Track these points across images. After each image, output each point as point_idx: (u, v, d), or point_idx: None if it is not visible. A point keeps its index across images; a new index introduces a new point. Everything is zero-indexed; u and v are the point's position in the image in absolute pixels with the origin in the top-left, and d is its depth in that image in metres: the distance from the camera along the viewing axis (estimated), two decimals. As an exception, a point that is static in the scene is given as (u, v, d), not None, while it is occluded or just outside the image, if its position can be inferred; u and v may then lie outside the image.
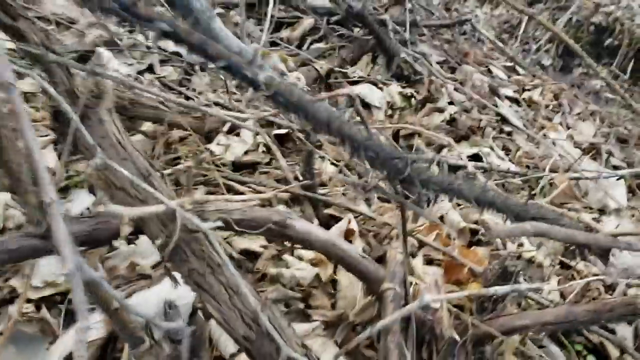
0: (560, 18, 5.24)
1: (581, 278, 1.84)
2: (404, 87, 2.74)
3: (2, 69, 0.83)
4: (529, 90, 3.11)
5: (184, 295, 1.28)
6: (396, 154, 0.99)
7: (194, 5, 0.97)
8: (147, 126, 1.96)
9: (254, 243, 1.58)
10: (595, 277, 1.75)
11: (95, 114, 1.23)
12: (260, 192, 1.78)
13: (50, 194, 0.84)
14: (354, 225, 1.62)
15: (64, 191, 1.78)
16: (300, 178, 1.80)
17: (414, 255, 1.58)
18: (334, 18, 2.84)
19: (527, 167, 2.42)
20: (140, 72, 2.33)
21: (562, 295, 1.74)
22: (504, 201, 1.08)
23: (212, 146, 1.98)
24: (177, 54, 2.37)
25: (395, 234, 1.73)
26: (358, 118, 1.13)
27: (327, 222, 1.72)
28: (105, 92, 1.23)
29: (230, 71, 0.90)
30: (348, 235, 1.62)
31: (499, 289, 1.00)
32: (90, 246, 1.18)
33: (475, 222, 1.91)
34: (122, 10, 0.87)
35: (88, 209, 1.72)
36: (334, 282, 1.58)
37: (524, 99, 3.00)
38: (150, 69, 2.35)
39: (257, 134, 2.02)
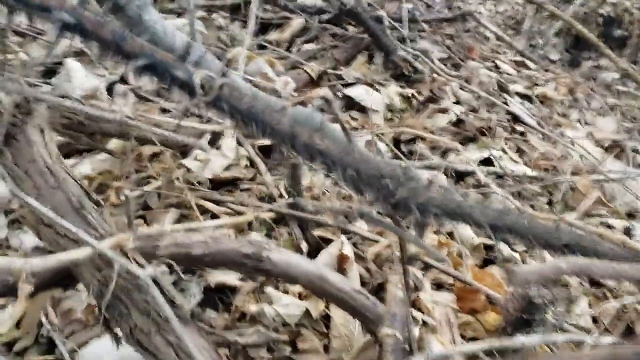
0: (565, 10, 5.01)
1: (614, 297, 1.60)
2: (403, 87, 2.51)
3: None
4: (541, 85, 2.86)
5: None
6: (385, 171, 0.76)
7: (117, -9, 0.75)
8: (114, 143, 1.74)
9: (230, 275, 1.35)
10: (631, 297, 1.51)
11: (23, 134, 1.02)
12: (240, 214, 1.56)
13: None
14: (347, 250, 1.39)
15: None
16: (286, 195, 1.58)
17: (418, 288, 1.34)
18: (326, 17, 2.61)
19: (545, 170, 2.18)
20: (113, 83, 2.11)
21: (595, 320, 1.50)
22: (527, 225, 0.85)
23: (188, 162, 1.75)
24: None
25: (397, 258, 1.50)
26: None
27: (318, 246, 1.49)
28: (35, 109, 1.01)
29: (155, 72, 0.68)
30: (341, 261, 1.39)
31: (527, 340, 0.77)
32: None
33: (490, 237, 1.67)
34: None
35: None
36: (326, 318, 1.35)
37: (536, 95, 2.76)
38: (123, 79, 2.13)
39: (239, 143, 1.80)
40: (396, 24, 2.67)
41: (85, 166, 1.69)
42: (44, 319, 1.28)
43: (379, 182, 0.76)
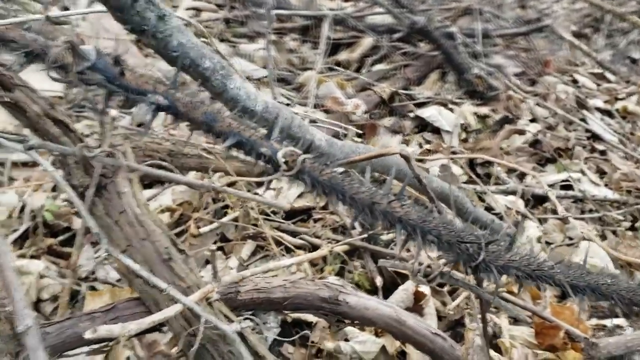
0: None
1: None
2: (478, 106, 2.47)
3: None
4: (622, 99, 2.74)
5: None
6: (465, 236, 0.76)
7: (205, 65, 0.78)
8: (192, 175, 1.80)
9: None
10: None
11: (113, 185, 1.08)
12: (314, 246, 1.58)
13: (26, 322, 0.68)
14: (424, 287, 1.39)
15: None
16: (359, 227, 1.59)
17: (497, 335, 1.32)
18: (396, 35, 2.60)
19: (628, 192, 2.09)
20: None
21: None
22: (610, 284, 0.82)
23: (262, 190, 1.80)
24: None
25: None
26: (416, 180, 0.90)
27: (393, 280, 1.50)
28: (122, 159, 1.07)
29: (243, 148, 0.71)
30: (418, 298, 1.39)
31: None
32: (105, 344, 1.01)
33: (570, 296, 1.62)
34: (109, 83, 0.70)
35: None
36: (402, 354, 1.35)
37: (617, 109, 2.64)
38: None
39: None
40: (468, 40, 2.63)
41: (166, 197, 1.76)
42: (128, 352, 1.35)
43: (459, 246, 0.76)
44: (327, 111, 2.24)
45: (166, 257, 0.98)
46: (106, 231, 1.03)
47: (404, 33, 2.53)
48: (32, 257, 1.57)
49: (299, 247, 1.57)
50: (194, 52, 0.79)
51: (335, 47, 2.66)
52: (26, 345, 0.64)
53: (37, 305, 1.46)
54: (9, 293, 0.64)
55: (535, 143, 2.29)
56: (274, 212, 1.73)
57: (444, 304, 1.49)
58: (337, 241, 1.56)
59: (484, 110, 2.41)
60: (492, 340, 1.27)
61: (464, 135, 2.32)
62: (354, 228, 1.57)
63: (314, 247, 1.59)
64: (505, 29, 2.78)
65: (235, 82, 0.85)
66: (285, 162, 0.70)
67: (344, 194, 0.72)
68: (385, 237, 1.61)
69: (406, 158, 0.86)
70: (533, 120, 2.45)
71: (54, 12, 1.42)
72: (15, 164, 1.82)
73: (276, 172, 0.72)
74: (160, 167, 1.58)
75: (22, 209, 1.67)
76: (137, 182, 1.11)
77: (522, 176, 2.16)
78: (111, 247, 0.92)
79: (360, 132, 2.16)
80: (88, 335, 0.70)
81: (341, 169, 0.74)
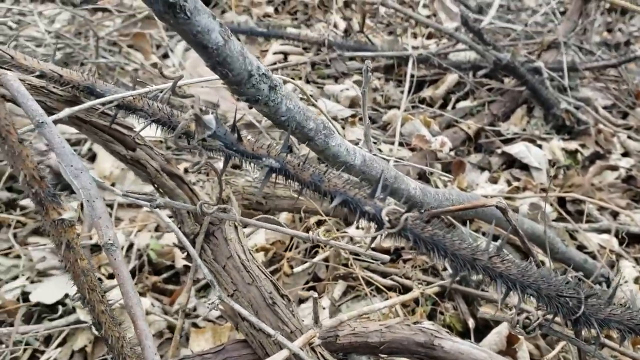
0: None
1: None
2: (566, 141, 2.43)
3: (105, 228, 0.77)
4: None
5: None
6: (565, 290, 0.78)
7: (309, 127, 0.85)
8: (283, 216, 1.88)
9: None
10: None
11: (220, 231, 1.16)
12: (404, 287, 1.61)
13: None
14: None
15: (204, 289, 1.75)
16: (449, 267, 1.60)
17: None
18: (481, 72, 2.62)
19: None
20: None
21: None
22: None
23: (351, 230, 1.85)
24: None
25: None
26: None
27: (485, 322, 1.50)
28: (230, 207, 1.14)
29: (348, 207, 0.76)
30: (511, 341, 1.38)
31: None
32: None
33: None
34: (228, 148, 0.78)
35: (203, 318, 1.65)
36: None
37: None
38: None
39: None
40: (555, 74, 2.60)
41: (260, 236, 1.84)
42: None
43: (558, 300, 0.78)
44: (413, 149, 2.28)
45: (270, 301, 1.05)
46: (214, 276, 1.11)
47: (488, 69, 2.54)
48: (140, 294, 1.68)
49: (389, 288, 1.60)
50: (300, 115, 0.85)
51: (419, 84, 2.70)
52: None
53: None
54: (141, 341, 0.72)
55: (628, 179, 2.22)
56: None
57: (537, 347, 1.47)
58: (428, 283, 1.58)
59: (573, 145, 2.37)
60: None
61: (552, 172, 2.28)
62: (445, 269, 1.59)
63: (404, 288, 1.62)
64: (594, 61, 2.73)
65: (336, 139, 0.91)
66: (389, 220, 0.74)
67: (445, 250, 0.75)
68: (476, 278, 1.62)
69: (503, 211, 0.89)
70: (625, 155, 2.38)
71: (178, 80, 1.54)
72: (121, 205, 1.97)
73: (380, 229, 0.76)
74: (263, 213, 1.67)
75: (129, 248, 1.81)
76: (241, 229, 1.19)
77: (615, 214, 2.10)
78: (220, 291, 0.99)
79: (446, 171, 2.18)
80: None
81: (440, 225, 0.78)
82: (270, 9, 3.35)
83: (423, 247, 0.75)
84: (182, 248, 1.16)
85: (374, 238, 0.76)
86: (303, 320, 1.08)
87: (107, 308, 0.71)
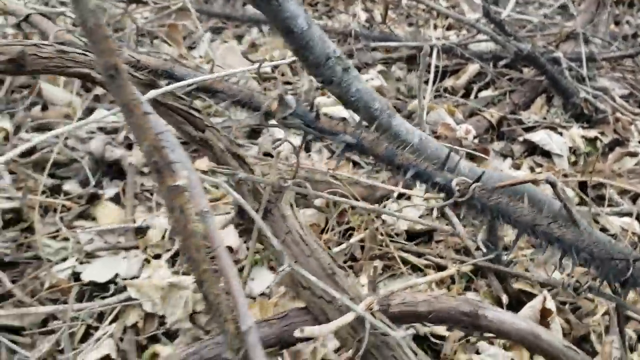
0: None
1: None
2: (585, 129, 2.50)
3: (199, 197, 0.85)
4: None
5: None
6: (616, 253, 0.85)
7: (375, 107, 0.93)
8: (317, 201, 1.95)
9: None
10: None
11: (277, 209, 1.23)
12: (439, 266, 1.69)
13: (248, 322, 0.83)
14: (550, 305, 1.46)
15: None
16: (481, 246, 1.67)
17: (632, 349, 1.37)
18: (502, 62, 2.68)
19: None
20: (309, 140, 2.36)
21: None
22: None
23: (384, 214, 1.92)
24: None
25: (599, 310, 1.54)
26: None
27: (518, 297, 1.58)
28: (285, 186, 1.22)
29: (420, 179, 0.84)
30: (544, 315, 1.46)
31: None
32: (279, 348, 1.16)
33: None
34: (306, 125, 0.85)
35: (268, 287, 1.74)
36: (531, 368, 1.42)
37: None
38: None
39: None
40: (573, 64, 2.67)
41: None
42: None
43: (609, 263, 0.85)
44: (438, 137, 2.34)
45: (330, 271, 1.12)
46: (275, 249, 1.19)
47: (509, 60, 2.60)
48: (184, 273, 1.76)
49: (425, 267, 1.68)
50: (367, 95, 0.93)
51: (441, 74, 2.76)
52: (247, 342, 0.78)
53: (192, 316, 1.64)
54: (235, 299, 0.79)
55: (647, 164, 2.29)
56: (397, 234, 1.85)
57: (568, 321, 1.55)
58: (462, 262, 1.66)
59: (592, 133, 2.44)
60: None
61: (573, 159, 2.35)
62: (478, 249, 1.66)
63: (439, 267, 1.69)
64: (611, 52, 2.79)
65: (397, 119, 0.98)
66: (458, 190, 0.82)
67: (509, 217, 0.83)
68: (505, 257, 1.69)
69: (553, 184, 0.96)
70: (644, 142, 2.45)
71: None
72: (160, 191, 2.05)
73: (449, 198, 0.84)
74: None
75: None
76: (295, 207, 1.27)
77: (635, 197, 2.17)
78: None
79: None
80: (297, 334, 0.84)
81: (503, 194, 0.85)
82: None
83: (489, 214, 0.82)
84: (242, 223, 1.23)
85: (444, 206, 0.83)
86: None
87: (209, 267, 0.78)
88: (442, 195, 0.87)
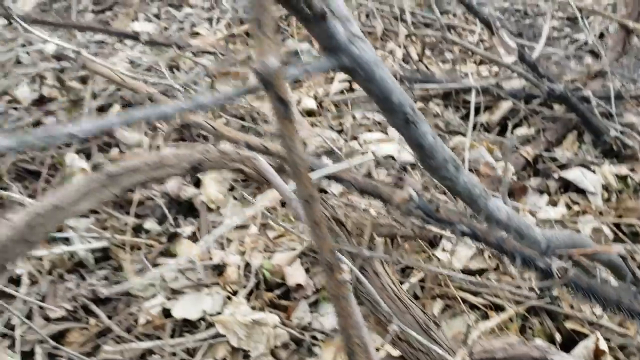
0: None
1: None
2: (615, 165, 2.67)
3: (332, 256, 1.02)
4: None
5: None
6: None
7: (475, 193, 1.10)
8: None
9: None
10: None
11: (370, 266, 1.41)
12: (495, 304, 1.86)
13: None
14: (603, 345, 1.63)
15: (314, 305, 2.00)
16: (535, 287, 1.85)
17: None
18: (536, 101, 2.86)
19: None
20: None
21: None
22: None
23: (438, 252, 2.10)
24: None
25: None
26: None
27: (570, 336, 1.75)
28: (378, 245, 1.40)
29: (525, 263, 1.01)
30: (597, 355, 1.63)
31: None
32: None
33: None
34: (428, 216, 1.03)
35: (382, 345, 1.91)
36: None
37: None
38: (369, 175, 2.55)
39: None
40: (602, 102, 2.84)
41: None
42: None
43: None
44: (479, 174, 2.52)
45: (425, 326, 1.30)
46: (371, 304, 1.36)
47: (542, 99, 2.78)
48: (259, 309, 1.94)
49: (483, 306, 1.85)
50: (470, 184, 1.10)
51: (475, 110, 2.94)
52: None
53: (273, 351, 1.82)
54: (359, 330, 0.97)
55: (678, 202, 2.46)
56: (452, 271, 2.03)
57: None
58: (517, 302, 1.84)
59: (623, 170, 2.61)
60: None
61: (606, 195, 2.53)
62: (532, 290, 1.84)
63: (495, 305, 1.87)
64: (637, 89, 2.97)
65: (491, 201, 1.16)
66: (557, 274, 1.00)
67: (597, 295, 1.01)
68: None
69: (623, 258, 1.14)
70: (672, 178, 2.62)
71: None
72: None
73: (547, 280, 1.01)
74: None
75: (245, 267, 2.06)
76: (389, 266, 1.45)
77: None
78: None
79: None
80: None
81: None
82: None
83: (581, 294, 1.00)
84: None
85: (547, 288, 1.00)
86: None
87: (360, 343, 0.96)
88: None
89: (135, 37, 2.22)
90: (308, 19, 0.78)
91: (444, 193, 2.08)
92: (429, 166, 1.02)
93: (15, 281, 1.94)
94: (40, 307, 1.86)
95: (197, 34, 3.44)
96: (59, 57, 2.27)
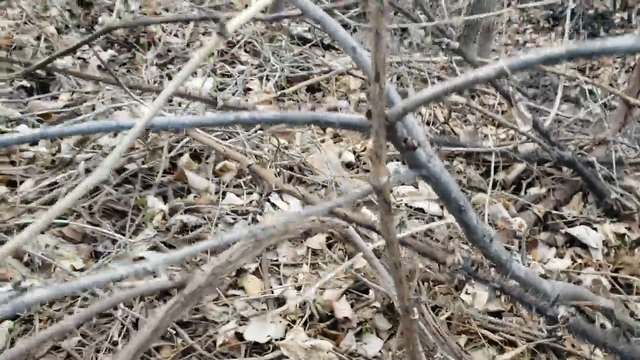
0: None
1: None
2: (615, 224, 3.08)
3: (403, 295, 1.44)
4: None
5: None
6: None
7: (503, 257, 1.52)
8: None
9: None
10: None
11: (418, 306, 1.82)
12: (510, 341, 2.26)
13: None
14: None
15: (358, 335, 2.40)
16: (543, 328, 2.24)
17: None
18: (547, 164, 3.29)
19: None
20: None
21: None
22: None
23: (462, 295, 2.51)
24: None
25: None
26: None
27: (572, 372, 2.14)
28: (423, 290, 1.81)
29: (539, 311, 1.42)
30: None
31: None
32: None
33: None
34: (469, 274, 1.44)
35: (380, 351, 2.32)
36: None
37: None
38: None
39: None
40: (604, 167, 3.26)
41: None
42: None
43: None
44: (496, 228, 2.94)
45: (459, 355, 1.70)
46: (421, 336, 1.77)
47: (552, 163, 3.21)
48: (312, 336, 2.34)
49: (501, 342, 2.25)
50: (500, 250, 1.52)
51: (494, 168, 3.37)
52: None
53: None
54: (421, 356, 1.37)
55: (668, 259, 2.86)
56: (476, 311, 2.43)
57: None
58: (528, 339, 2.23)
59: (621, 229, 3.02)
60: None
61: (605, 250, 2.93)
62: (540, 330, 2.24)
63: (510, 342, 2.27)
64: (637, 157, 3.39)
65: (514, 264, 1.57)
66: (562, 320, 1.40)
67: (605, 346, 1.41)
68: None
69: (611, 310, 1.54)
70: (665, 237, 3.02)
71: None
72: (285, 265, 2.65)
73: (554, 324, 1.42)
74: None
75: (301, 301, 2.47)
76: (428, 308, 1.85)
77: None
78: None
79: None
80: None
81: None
82: (363, 95, 4.05)
83: (580, 336, 1.40)
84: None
85: (554, 329, 1.41)
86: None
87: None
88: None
89: (213, 102, 2.66)
90: (404, 149, 1.21)
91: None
92: (472, 238, 1.44)
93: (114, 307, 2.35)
94: (135, 327, 2.27)
95: (250, 89, 3.92)
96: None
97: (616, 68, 8.03)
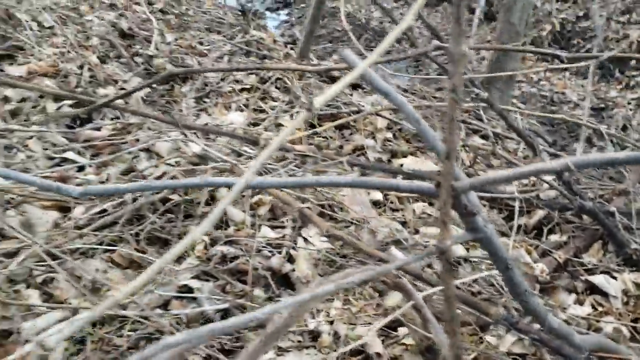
0: None
1: None
2: (633, 273, 3.20)
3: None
4: None
5: None
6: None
7: (539, 309, 1.65)
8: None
9: None
10: None
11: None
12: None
13: None
14: None
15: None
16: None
17: None
18: (569, 212, 3.42)
19: None
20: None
21: None
22: None
23: (487, 336, 2.63)
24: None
25: None
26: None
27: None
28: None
29: (561, 354, 1.55)
30: None
31: None
32: None
33: None
34: (510, 325, 1.58)
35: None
36: None
37: None
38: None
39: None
40: (624, 217, 3.40)
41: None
42: None
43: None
44: (519, 272, 3.06)
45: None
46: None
47: (574, 211, 3.35)
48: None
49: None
50: (536, 304, 1.65)
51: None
52: None
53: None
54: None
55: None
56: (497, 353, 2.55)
57: None
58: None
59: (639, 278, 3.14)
60: None
61: (625, 299, 3.05)
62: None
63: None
64: (655, 208, 3.52)
65: (550, 317, 1.71)
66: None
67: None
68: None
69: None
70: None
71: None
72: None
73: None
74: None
75: (334, 334, 2.60)
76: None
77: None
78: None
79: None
80: None
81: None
82: (389, 134, 4.22)
83: (610, 386, 1.53)
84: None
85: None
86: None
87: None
88: None
89: (254, 141, 2.83)
90: (464, 214, 1.36)
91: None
92: (515, 292, 1.58)
93: (160, 331, 2.49)
94: (179, 353, 2.41)
95: (281, 125, 4.09)
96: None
97: (630, 109, 8.19)
